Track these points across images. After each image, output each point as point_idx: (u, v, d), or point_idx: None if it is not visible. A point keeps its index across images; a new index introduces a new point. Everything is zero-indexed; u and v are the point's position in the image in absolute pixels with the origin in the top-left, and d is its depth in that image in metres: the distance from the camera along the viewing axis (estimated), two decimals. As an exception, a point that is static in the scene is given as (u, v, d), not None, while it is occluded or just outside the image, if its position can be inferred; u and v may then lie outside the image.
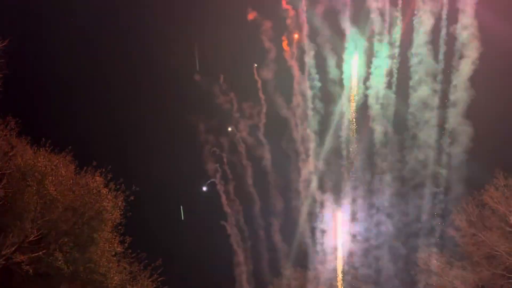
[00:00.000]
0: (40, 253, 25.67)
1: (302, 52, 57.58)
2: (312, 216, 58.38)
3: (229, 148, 59.50)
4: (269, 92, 58.14)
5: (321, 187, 58.47)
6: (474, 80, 48.80)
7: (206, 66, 57.35)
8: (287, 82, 57.73)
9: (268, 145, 59.01)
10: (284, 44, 57.50)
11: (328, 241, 57.39)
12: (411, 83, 53.16)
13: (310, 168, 58.45)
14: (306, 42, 57.13)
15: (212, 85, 57.45)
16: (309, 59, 57.68)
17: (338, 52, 55.86)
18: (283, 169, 58.99)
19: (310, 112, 58.33)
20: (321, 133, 58.71)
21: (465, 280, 34.52)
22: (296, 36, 56.86)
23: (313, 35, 56.30)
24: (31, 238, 25.57)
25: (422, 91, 52.53)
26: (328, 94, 58.02)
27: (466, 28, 48.38)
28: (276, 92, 58.15)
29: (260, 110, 58.90)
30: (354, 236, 56.80)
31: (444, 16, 50.36)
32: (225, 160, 59.37)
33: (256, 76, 58.20)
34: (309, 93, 58.08)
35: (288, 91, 57.83)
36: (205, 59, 57.19)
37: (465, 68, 48.99)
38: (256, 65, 57.82)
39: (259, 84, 58.41)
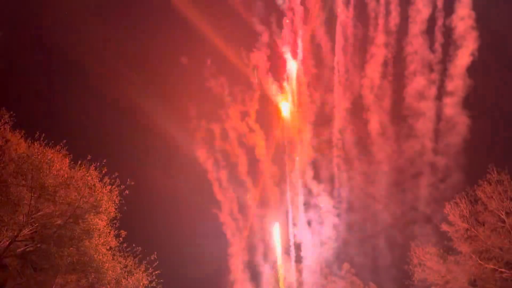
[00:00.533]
0: (35, 246, 25.72)
1: (294, 35, 56.69)
2: (306, 205, 57.92)
3: (221, 134, 58.56)
4: (260, 77, 57.25)
5: (316, 176, 57.84)
6: (469, 74, 48.75)
7: (196, 50, 56.35)
8: (279, 67, 56.89)
9: (261, 132, 58.26)
10: (275, 27, 56.37)
11: (323, 231, 57.09)
12: (406, 72, 52.69)
13: (304, 157, 57.69)
14: (299, 25, 56.13)
15: (202, 70, 56.58)
16: (303, 43, 56.63)
17: (332, 38, 54.98)
18: (277, 157, 58.41)
19: (304, 99, 57.34)
20: (316, 122, 57.93)
21: (458, 274, 34.83)
22: (286, 21, 55.75)
23: (306, 17, 55.54)
24: (26, 232, 25.61)
25: (417, 81, 52.05)
26: (322, 81, 57.16)
27: (463, 18, 48.05)
28: (268, 77, 57.29)
29: (252, 95, 57.87)
30: (349, 226, 56.65)
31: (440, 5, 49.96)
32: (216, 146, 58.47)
33: (247, 60, 57.01)
34: (304, 79, 57.22)
35: (280, 75, 57.01)
36: (194, 43, 56.24)
37: (461, 60, 48.76)
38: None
39: (251, 69, 57.35)
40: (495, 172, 32.99)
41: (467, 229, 33.92)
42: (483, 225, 33.36)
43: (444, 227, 35.18)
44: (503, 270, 32.69)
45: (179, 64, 55.86)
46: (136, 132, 55.25)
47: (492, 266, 32.94)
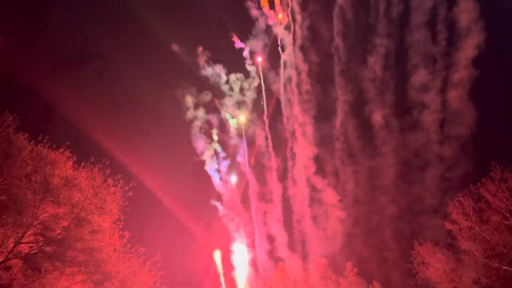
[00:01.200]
0: (40, 248, 25.82)
1: (294, 21, 54.53)
2: (310, 198, 56.74)
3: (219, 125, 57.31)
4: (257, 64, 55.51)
5: (319, 170, 56.51)
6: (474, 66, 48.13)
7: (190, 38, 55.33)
8: (276, 55, 55.59)
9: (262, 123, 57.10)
10: (273, 14, 54.63)
11: (326, 225, 56.12)
12: (408, 63, 51.59)
13: (306, 150, 56.23)
14: (297, 11, 54.17)
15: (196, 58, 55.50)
16: (302, 31, 55.23)
17: (332, 25, 53.33)
18: (278, 149, 57.38)
19: (304, 87, 55.64)
20: (317, 113, 56.67)
21: (462, 272, 34.75)
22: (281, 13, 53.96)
23: (305, 4, 53.86)
24: (30, 234, 25.73)
25: (420, 74, 51.04)
26: (322, 70, 55.68)
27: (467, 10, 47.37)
28: (266, 66, 55.92)
29: (251, 84, 56.42)
30: (353, 221, 55.74)
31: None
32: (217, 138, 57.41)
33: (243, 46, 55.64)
34: (304, 68, 55.73)
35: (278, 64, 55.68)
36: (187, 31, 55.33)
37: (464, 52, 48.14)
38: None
39: (247, 56, 56.00)
40: (498, 169, 32.91)
41: (470, 227, 33.83)
42: (487, 223, 33.27)
43: (448, 225, 35.08)
44: (507, 268, 32.61)
45: (174, 54, 54.93)
46: (138, 132, 55.06)
47: (496, 264, 32.86)
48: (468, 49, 48.33)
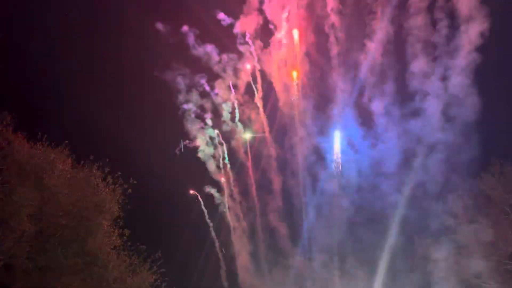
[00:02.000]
0: (40, 247, 25.86)
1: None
2: (313, 190, 55.81)
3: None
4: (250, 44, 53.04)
5: (319, 158, 55.55)
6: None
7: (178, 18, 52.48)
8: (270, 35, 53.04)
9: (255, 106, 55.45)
10: None
11: (328, 216, 55.47)
12: (407, 51, 50.49)
13: (305, 139, 55.01)
14: None
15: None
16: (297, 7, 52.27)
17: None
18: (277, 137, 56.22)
19: (302, 70, 53.97)
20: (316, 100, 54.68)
21: (462, 266, 34.91)
22: None
23: None
24: (30, 233, 25.74)
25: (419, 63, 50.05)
26: (321, 52, 53.41)
27: None
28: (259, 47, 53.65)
29: (243, 66, 53.35)
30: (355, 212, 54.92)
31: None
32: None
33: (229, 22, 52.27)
34: (300, 48, 54.16)
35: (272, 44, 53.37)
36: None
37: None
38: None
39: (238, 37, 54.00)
40: (498, 164, 32.97)
41: (471, 222, 33.96)
42: (487, 217, 33.39)
43: (448, 220, 35.23)
44: (508, 262, 32.73)
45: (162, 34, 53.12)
46: (137, 129, 54.58)
47: (496, 258, 32.97)
48: (471, 35, 47.70)
